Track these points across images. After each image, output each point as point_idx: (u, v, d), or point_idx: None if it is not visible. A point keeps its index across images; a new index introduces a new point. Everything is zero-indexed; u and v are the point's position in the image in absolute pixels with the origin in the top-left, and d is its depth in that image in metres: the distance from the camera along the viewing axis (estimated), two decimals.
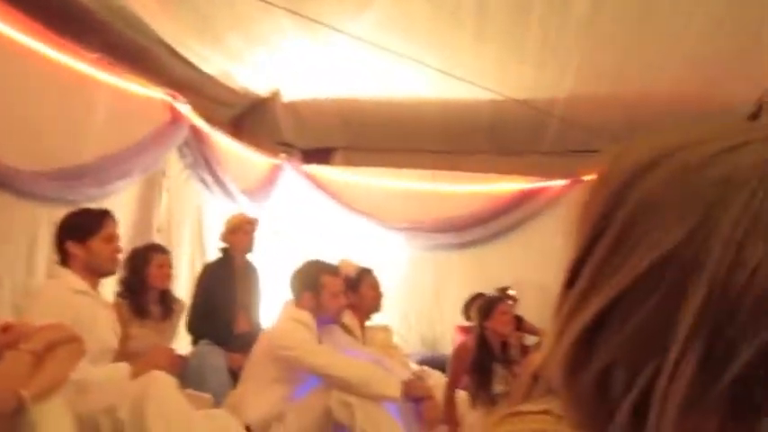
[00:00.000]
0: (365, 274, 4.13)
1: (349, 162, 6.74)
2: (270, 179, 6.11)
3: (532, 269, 6.04)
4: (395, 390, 3.04)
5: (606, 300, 0.44)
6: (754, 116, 5.82)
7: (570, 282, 0.48)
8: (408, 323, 6.16)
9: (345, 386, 2.96)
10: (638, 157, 0.47)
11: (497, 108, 5.91)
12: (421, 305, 6.21)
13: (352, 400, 2.94)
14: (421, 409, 3.18)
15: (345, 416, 2.94)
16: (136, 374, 2.58)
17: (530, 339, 5.23)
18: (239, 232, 4.44)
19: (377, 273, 4.30)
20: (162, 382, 2.41)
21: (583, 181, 6.14)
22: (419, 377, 4.34)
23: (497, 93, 5.69)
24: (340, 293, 3.47)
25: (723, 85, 5.41)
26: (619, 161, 0.48)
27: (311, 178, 6.39)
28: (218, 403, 3.49)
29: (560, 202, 6.13)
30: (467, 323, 5.59)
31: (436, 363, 5.56)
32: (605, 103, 5.79)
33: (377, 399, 2.99)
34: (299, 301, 3.36)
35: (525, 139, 6.40)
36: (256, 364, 3.24)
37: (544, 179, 6.20)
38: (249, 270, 4.54)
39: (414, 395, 3.15)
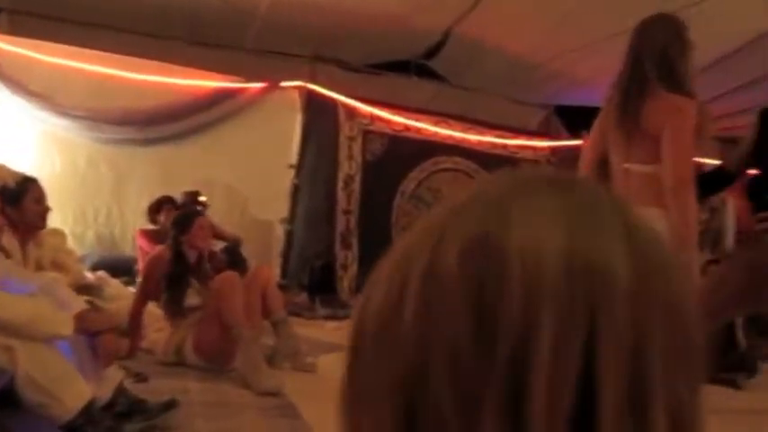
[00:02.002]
0: (28, 184, 3.55)
1: (16, 30, 5.72)
2: None
3: (221, 170, 5.91)
4: (66, 327, 2.72)
5: None
6: (442, 43, 6.23)
7: None
8: (85, 221, 5.64)
9: (7, 328, 2.59)
10: None
11: None
12: (99, 203, 5.71)
13: (12, 342, 2.58)
14: (96, 343, 2.91)
15: (6, 360, 2.58)
16: None
17: (218, 245, 5.17)
18: None
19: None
20: None
21: (280, 86, 6.07)
22: (94, 305, 4.02)
23: None
24: None
25: (420, 8, 5.65)
26: None
27: None
28: None
29: (256, 104, 5.98)
30: (150, 226, 5.31)
31: (116, 265, 5.23)
32: (307, 8, 5.70)
33: (45, 339, 2.67)
34: None
35: (226, 35, 6.06)
36: None
37: (242, 80, 5.95)
38: None
39: (88, 329, 2.86)
